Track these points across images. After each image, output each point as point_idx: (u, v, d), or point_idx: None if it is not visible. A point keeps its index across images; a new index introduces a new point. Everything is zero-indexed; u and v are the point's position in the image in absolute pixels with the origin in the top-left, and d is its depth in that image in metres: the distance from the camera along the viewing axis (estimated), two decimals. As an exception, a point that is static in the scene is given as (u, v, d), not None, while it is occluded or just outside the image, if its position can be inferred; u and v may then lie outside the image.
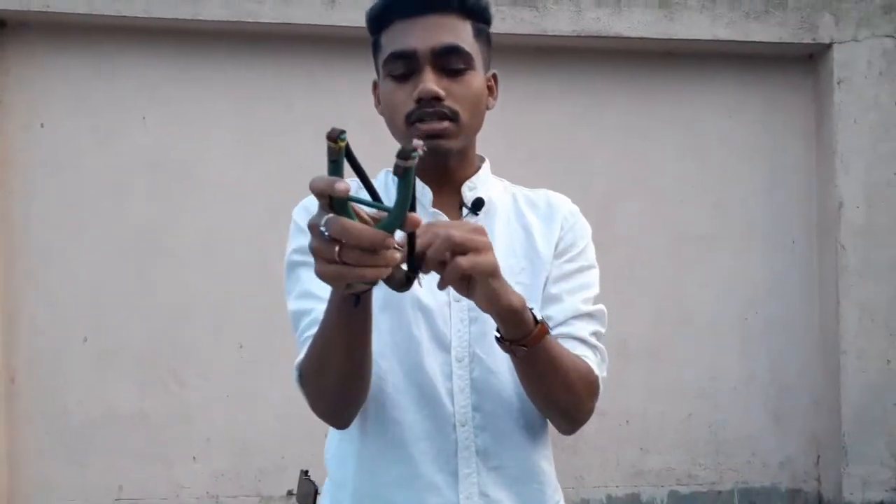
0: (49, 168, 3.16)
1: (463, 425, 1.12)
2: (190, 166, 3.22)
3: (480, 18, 1.17)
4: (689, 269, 3.46)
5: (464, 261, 0.89)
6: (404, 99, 1.11)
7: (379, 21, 1.14)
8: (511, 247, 1.18)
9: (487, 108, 1.23)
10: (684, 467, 3.46)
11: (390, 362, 1.11)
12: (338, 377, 1.03)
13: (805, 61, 3.55)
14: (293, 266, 1.15)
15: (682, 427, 3.46)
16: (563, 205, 1.27)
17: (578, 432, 3.48)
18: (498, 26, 3.23)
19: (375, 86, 1.19)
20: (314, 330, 1.04)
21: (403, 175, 0.75)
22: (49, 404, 3.14)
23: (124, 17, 3.06)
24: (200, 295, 3.20)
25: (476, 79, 1.15)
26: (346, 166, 0.77)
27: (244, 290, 3.22)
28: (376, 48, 1.17)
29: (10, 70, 3.15)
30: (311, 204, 1.07)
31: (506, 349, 1.02)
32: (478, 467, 1.12)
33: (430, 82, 1.09)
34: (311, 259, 0.81)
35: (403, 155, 0.75)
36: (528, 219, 1.22)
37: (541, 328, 1.01)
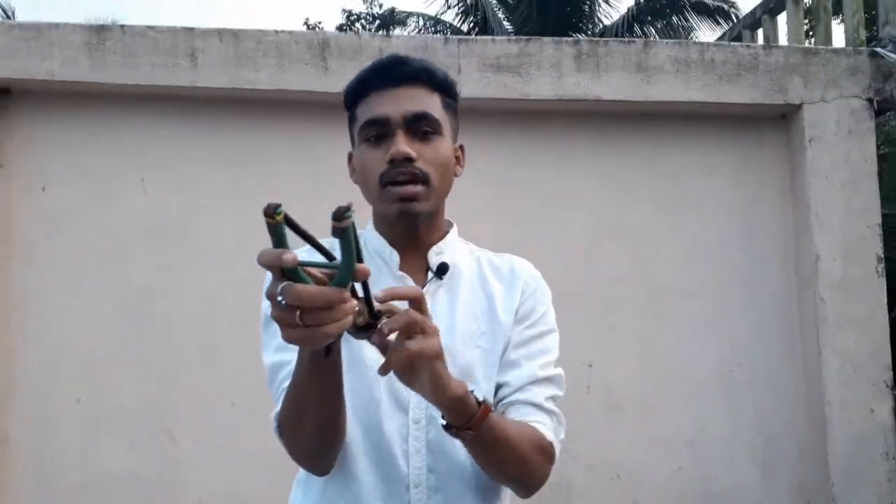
0: (49, 230, 3.24)
1: (416, 486, 1.16)
2: (186, 228, 3.31)
3: (448, 93, 1.26)
4: (672, 321, 3.54)
5: (412, 344, 0.93)
6: (378, 161, 1.18)
7: (355, 94, 1.25)
8: (472, 312, 1.25)
9: (455, 176, 1.29)
10: (676, 521, 3.47)
11: (351, 423, 1.14)
12: (314, 425, 1.08)
13: (778, 121, 3.71)
14: (268, 320, 1.19)
15: (673, 480, 3.48)
16: (525, 270, 1.33)
17: (570, 487, 3.52)
18: (483, 91, 3.42)
19: (350, 157, 1.28)
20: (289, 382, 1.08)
21: (342, 236, 0.80)
22: (43, 464, 3.14)
23: (126, 84, 3.19)
24: (193, 355, 3.25)
25: (444, 144, 1.23)
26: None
27: (236, 349, 3.26)
28: (352, 120, 1.27)
29: (13, 136, 3.26)
30: None
31: (453, 435, 1.07)
32: None
33: (403, 144, 1.17)
34: None
35: (337, 217, 0.80)
36: (491, 285, 1.28)
37: (483, 410, 1.06)
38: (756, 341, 3.58)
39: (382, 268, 1.22)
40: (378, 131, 1.19)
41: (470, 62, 3.34)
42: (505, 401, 1.23)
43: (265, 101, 3.35)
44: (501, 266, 1.35)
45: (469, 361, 1.21)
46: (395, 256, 1.24)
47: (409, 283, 1.22)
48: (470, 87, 3.33)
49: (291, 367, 1.08)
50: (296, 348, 1.04)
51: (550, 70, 3.43)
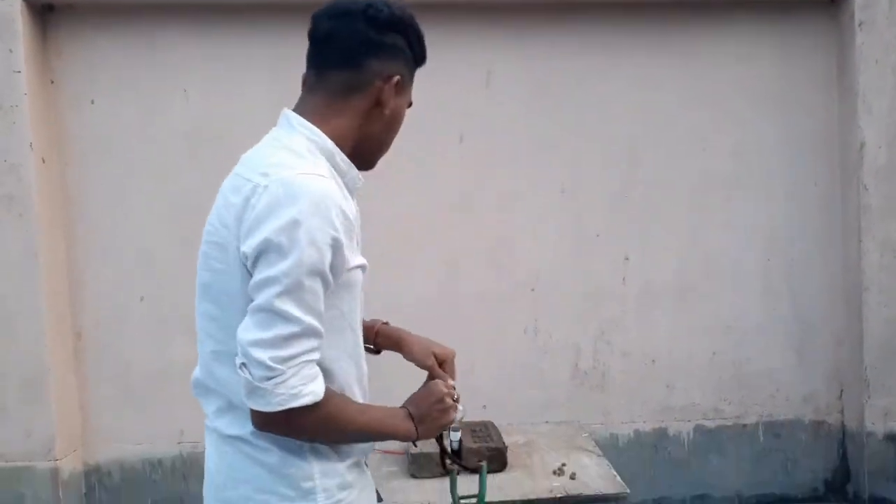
0: (101, 142, 3.39)
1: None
2: (229, 135, 3.41)
3: None
4: (711, 213, 3.56)
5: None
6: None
7: (422, 62, 1.38)
8: None
9: None
10: (710, 403, 3.61)
11: (347, 362, 1.30)
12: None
13: (825, 5, 3.56)
14: (322, 277, 1.15)
15: (707, 365, 3.60)
16: None
17: (606, 373, 3.68)
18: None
19: (398, 86, 1.29)
20: (313, 356, 1.16)
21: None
22: (113, 359, 3.41)
23: (162, -5, 3.24)
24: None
25: None
26: None
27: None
28: (412, 75, 1.37)
29: (60, 51, 3.37)
30: (333, 216, 1.15)
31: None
32: None
33: None
34: (330, 280, 1.16)
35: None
36: None
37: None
38: (797, 229, 3.59)
39: (344, 184, 1.30)
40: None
41: (502, -46, 3.27)
42: None
43: (302, 6, 3.35)
44: None
45: None
46: (358, 181, 1.35)
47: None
48: (503, -20, 3.29)
49: (317, 343, 1.17)
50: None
51: (585, -41, 3.34)
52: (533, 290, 3.53)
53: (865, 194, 3.43)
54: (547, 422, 2.94)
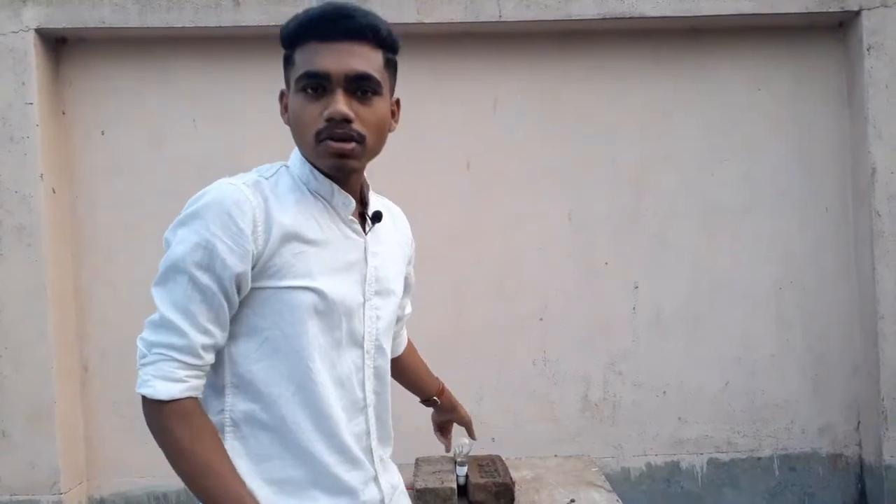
0: (110, 172, 3.41)
1: (369, 407, 1.32)
2: (237, 165, 3.41)
3: (391, 50, 1.26)
4: (722, 239, 3.52)
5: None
6: (315, 117, 1.20)
7: (294, 38, 1.23)
8: (392, 248, 1.43)
9: (389, 131, 1.33)
10: (723, 435, 3.54)
11: (315, 360, 1.21)
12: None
13: (834, 29, 3.55)
14: (190, 276, 1.17)
15: (720, 396, 3.53)
16: (404, 217, 1.57)
17: (617, 404, 3.65)
18: (524, 14, 3.39)
19: (283, 95, 1.29)
20: (175, 355, 1.16)
21: None
22: (119, 390, 3.39)
23: (173, 27, 3.28)
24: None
25: (383, 105, 1.25)
26: None
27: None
28: (288, 62, 1.26)
29: (72, 83, 3.41)
30: (212, 219, 1.17)
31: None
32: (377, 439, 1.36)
33: (342, 104, 1.17)
34: (212, 286, 1.14)
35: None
36: (393, 224, 1.47)
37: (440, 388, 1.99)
38: (809, 257, 3.54)
39: (326, 209, 1.26)
40: (316, 84, 1.20)
41: (509, -15, 3.29)
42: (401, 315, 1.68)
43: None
44: (392, 210, 1.53)
45: (395, 287, 1.40)
46: (350, 204, 1.29)
47: (357, 228, 1.31)
48: (510, 9, 3.30)
49: (181, 343, 1.20)
50: (199, 324, 1.18)
51: (592, -12, 3.35)
52: (541, 319, 3.49)
53: (878, 220, 3.38)
54: (556, 455, 2.88)
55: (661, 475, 3.53)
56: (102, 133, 3.42)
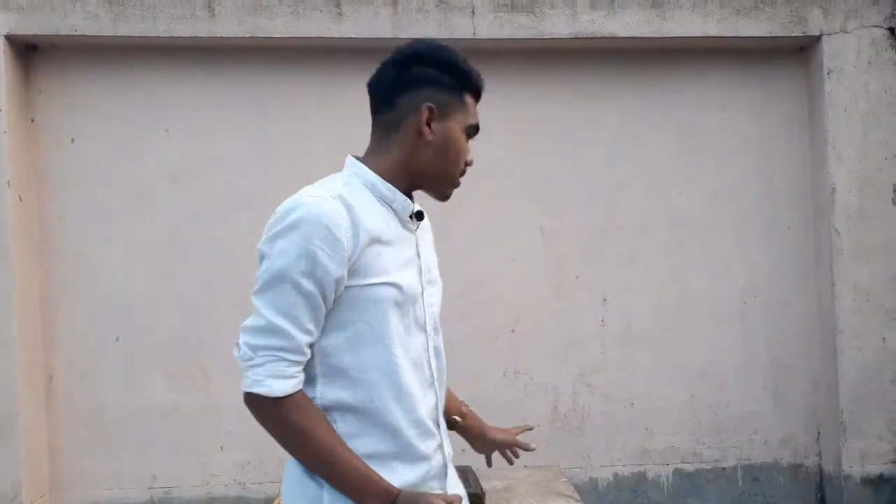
0: (80, 180, 3.38)
1: (436, 382, 1.49)
2: (210, 175, 3.42)
3: None
4: (689, 256, 3.61)
5: None
6: (464, 155, 1.48)
7: (467, 83, 1.46)
8: (430, 242, 1.64)
9: None
10: (689, 446, 3.61)
11: (395, 343, 1.38)
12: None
13: (796, 53, 3.68)
14: (294, 283, 1.28)
15: (686, 408, 3.61)
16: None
17: (585, 416, 3.70)
18: (498, 32, 3.44)
19: (431, 113, 1.41)
20: (284, 355, 1.28)
21: None
22: (86, 400, 3.35)
23: (146, 36, 3.26)
24: (222, 296, 3.40)
25: None
26: None
27: (265, 289, 3.41)
28: (458, 99, 1.45)
29: (41, 90, 3.37)
30: (312, 231, 1.29)
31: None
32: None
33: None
34: (314, 291, 1.27)
35: None
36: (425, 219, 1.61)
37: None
38: (772, 273, 3.64)
39: (390, 212, 1.44)
40: (474, 134, 1.50)
41: (483, 3, 3.35)
42: None
43: (283, 48, 3.41)
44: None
45: (437, 276, 1.62)
46: (409, 207, 1.47)
47: (410, 227, 1.49)
48: (485, 27, 3.36)
49: (288, 344, 1.30)
50: (305, 328, 1.31)
51: (564, 8, 3.42)
52: (513, 331, 3.54)
53: (837, 238, 3.50)
54: (526, 466, 2.91)
55: (628, 485, 3.58)
56: (72, 141, 3.39)
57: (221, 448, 3.41)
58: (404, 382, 1.37)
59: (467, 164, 1.49)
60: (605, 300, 3.57)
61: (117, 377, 3.36)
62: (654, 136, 3.62)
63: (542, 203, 3.55)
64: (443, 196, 1.53)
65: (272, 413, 1.30)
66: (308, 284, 1.27)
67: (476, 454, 3.22)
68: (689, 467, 3.61)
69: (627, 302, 3.58)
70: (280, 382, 1.28)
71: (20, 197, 3.24)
